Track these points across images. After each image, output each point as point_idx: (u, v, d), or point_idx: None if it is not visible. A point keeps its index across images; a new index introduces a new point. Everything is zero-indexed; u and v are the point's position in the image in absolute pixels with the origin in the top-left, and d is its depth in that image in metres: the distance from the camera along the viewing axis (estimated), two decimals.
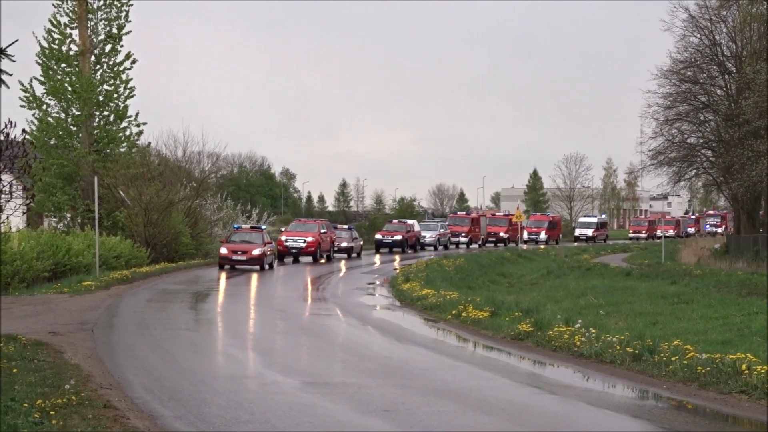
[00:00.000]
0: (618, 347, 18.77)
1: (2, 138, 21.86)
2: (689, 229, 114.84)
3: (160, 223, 48.52)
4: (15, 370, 15.35)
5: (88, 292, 31.73)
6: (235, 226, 51.25)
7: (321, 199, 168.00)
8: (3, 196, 22.86)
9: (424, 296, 30.84)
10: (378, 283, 40.34)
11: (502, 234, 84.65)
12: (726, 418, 14.23)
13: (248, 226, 51.76)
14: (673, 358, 17.30)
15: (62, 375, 15.43)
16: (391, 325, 25.91)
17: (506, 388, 16.54)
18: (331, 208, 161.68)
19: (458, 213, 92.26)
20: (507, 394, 15.77)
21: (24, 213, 36.80)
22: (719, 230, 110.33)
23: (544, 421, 13.64)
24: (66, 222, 48.93)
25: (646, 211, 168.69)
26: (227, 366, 18.66)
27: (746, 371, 15.74)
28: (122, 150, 50.51)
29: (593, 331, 20.50)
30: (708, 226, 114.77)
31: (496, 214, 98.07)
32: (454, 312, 26.60)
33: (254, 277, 41.29)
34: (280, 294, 35.37)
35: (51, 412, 12.35)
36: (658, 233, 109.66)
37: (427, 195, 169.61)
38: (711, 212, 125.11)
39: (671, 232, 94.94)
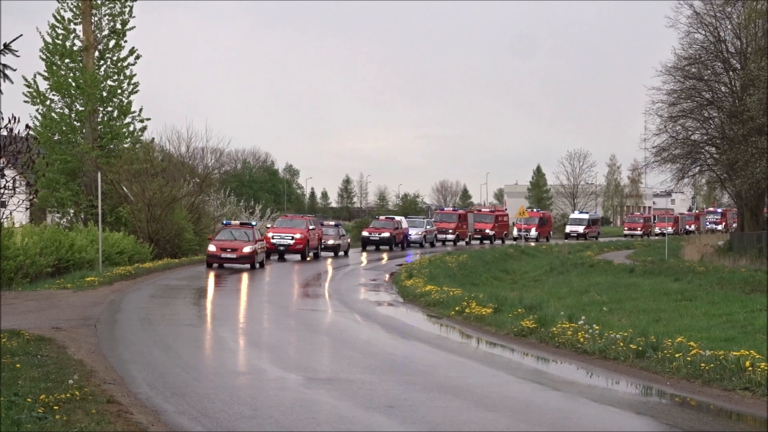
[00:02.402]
0: (621, 344, 18.76)
1: (6, 133, 21.86)
2: (688, 227, 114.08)
3: (163, 219, 48.53)
4: (18, 366, 15.36)
5: (91, 287, 31.74)
6: (224, 221, 49.35)
7: (324, 195, 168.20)
8: (6, 191, 22.85)
9: (427, 292, 30.81)
10: (380, 279, 40.33)
11: (487, 231, 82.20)
12: (730, 414, 14.21)
13: (237, 222, 49.49)
14: (677, 355, 17.29)
15: (65, 370, 15.44)
16: (395, 322, 25.91)
17: (509, 384, 16.54)
18: (334, 205, 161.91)
19: (445, 209, 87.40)
20: (510, 391, 15.76)
21: (27, 208, 36.82)
22: (719, 227, 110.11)
23: (548, 418, 13.62)
24: (69, 218, 49.02)
25: (649, 208, 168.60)
26: (230, 362, 18.65)
27: (750, 368, 15.75)
28: (126, 146, 50.59)
29: (596, 327, 20.49)
30: (708, 223, 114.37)
31: (482, 210, 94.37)
32: (457, 308, 26.59)
33: (254, 274, 41.10)
34: (280, 291, 35.32)
35: (54, 407, 12.36)
36: (657, 230, 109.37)
37: (431, 191, 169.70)
38: (711, 209, 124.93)
39: (670, 230, 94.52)
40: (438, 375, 17.08)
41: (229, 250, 42.80)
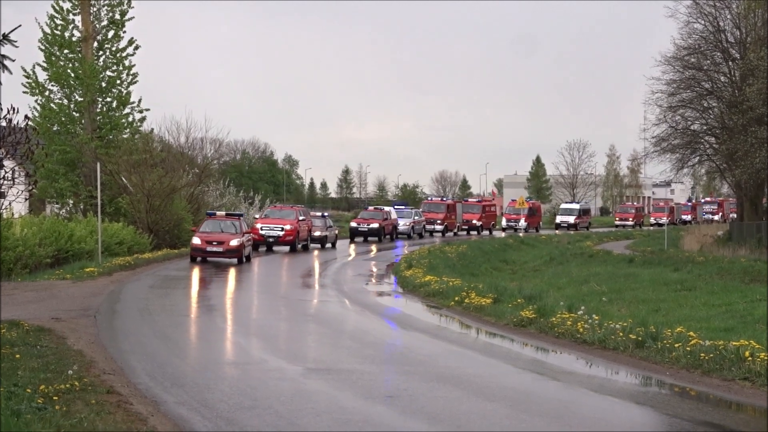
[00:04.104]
0: (621, 334, 18.75)
1: (5, 124, 21.84)
2: (684, 216, 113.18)
3: (162, 209, 48.46)
4: (18, 356, 15.36)
5: (91, 278, 31.74)
6: (208, 212, 46.93)
7: (323, 185, 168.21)
8: (5, 182, 22.83)
9: (426, 283, 30.80)
10: (377, 270, 40.32)
11: (475, 221, 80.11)
12: (729, 404, 14.21)
13: (224, 212, 46.39)
14: (676, 345, 17.29)
15: (65, 361, 15.44)
16: (394, 312, 25.93)
17: (509, 374, 16.54)
18: (333, 195, 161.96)
19: (433, 199, 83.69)
20: (510, 381, 15.77)
21: (26, 199, 36.84)
22: (716, 217, 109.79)
23: (547, 408, 13.62)
24: (68, 208, 48.98)
25: (649, 198, 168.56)
26: (230, 352, 18.67)
27: (749, 358, 15.75)
28: (125, 136, 50.50)
29: (596, 317, 20.48)
30: (704, 213, 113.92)
31: (469, 200, 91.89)
32: (456, 299, 26.58)
33: (249, 265, 40.84)
34: (277, 281, 35.35)
35: (54, 398, 12.36)
36: (652, 220, 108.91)
37: (430, 182, 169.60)
38: (708, 199, 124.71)
39: (664, 220, 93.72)
40: (437, 365, 17.08)
41: (215, 243, 40.42)
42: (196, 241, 40.82)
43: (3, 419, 10.95)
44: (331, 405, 13.41)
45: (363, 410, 13.18)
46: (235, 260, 40.71)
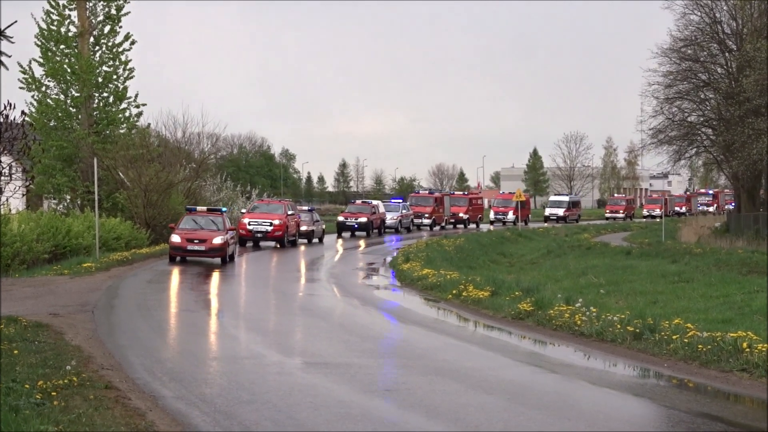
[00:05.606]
0: (619, 326, 18.77)
1: (1, 120, 21.80)
2: (678, 208, 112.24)
3: (159, 204, 48.41)
4: (16, 352, 15.36)
5: (89, 273, 31.73)
6: (187, 207, 43.17)
7: (321, 179, 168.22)
8: (3, 178, 22.81)
9: (424, 276, 30.82)
10: (374, 264, 40.32)
11: (461, 215, 78.78)
12: (727, 396, 14.24)
13: (205, 208, 43.06)
14: (674, 337, 17.31)
15: (63, 356, 15.44)
16: (392, 306, 25.93)
17: (507, 367, 16.55)
18: (330, 189, 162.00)
19: (420, 192, 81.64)
20: (508, 374, 15.78)
21: (24, 195, 36.86)
22: (711, 209, 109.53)
23: (545, 400, 13.63)
24: (66, 204, 48.99)
25: (646, 190, 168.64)
26: (228, 347, 18.65)
27: (747, 349, 15.77)
28: (122, 131, 50.49)
29: (594, 310, 20.50)
30: (699, 205, 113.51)
31: (455, 193, 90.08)
32: (454, 292, 26.59)
33: (241, 262, 40.77)
34: (274, 276, 35.33)
35: (52, 393, 12.37)
36: (645, 212, 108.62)
37: (427, 175, 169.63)
38: (703, 191, 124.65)
39: (658, 212, 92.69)
40: (436, 358, 17.08)
41: (196, 241, 37.30)
42: (175, 239, 37.68)
43: (2, 415, 10.95)
44: (329, 399, 13.42)
45: (361, 404, 13.19)
46: (218, 260, 37.65)
